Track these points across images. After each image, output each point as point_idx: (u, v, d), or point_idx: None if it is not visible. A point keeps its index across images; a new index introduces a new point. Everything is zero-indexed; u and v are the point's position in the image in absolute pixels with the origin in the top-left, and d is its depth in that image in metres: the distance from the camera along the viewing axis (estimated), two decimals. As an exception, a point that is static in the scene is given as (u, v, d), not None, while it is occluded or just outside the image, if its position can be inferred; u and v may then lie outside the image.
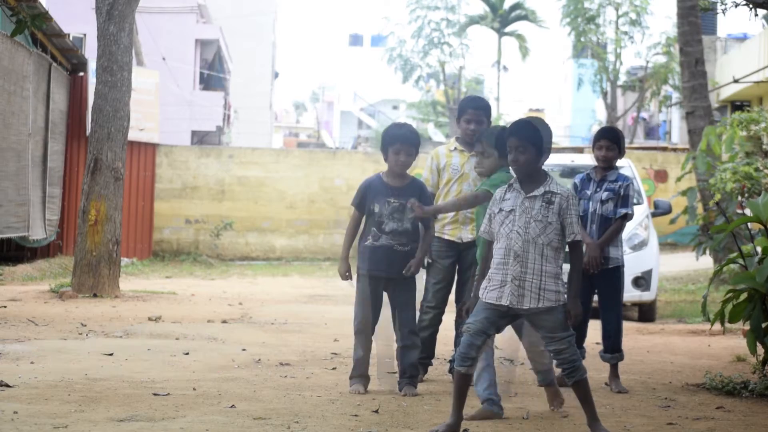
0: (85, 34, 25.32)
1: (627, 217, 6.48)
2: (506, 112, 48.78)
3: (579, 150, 21.61)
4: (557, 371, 6.26)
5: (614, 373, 6.41)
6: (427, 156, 6.82)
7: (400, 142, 5.90)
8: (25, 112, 14.05)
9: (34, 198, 15.02)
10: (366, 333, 5.94)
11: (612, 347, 6.47)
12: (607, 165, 6.58)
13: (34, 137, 14.88)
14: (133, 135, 16.95)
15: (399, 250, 5.83)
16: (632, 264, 10.56)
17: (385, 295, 6.01)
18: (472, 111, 6.44)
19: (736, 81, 19.96)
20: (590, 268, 6.32)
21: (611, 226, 6.46)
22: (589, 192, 6.58)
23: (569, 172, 12.38)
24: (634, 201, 7.15)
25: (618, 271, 6.53)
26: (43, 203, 15.85)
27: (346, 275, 5.91)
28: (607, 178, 6.56)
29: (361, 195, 5.96)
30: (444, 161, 6.52)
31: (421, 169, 7.67)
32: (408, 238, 5.87)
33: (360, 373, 5.91)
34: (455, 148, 6.55)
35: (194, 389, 5.68)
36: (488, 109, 6.51)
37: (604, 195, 6.51)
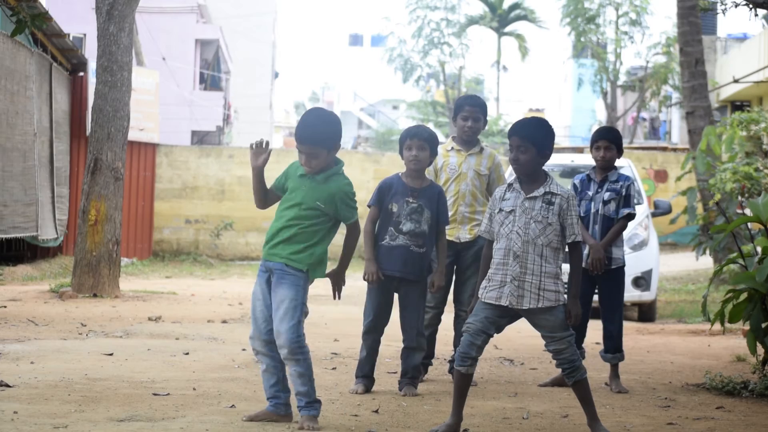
0: (85, 34, 25.34)
1: (630, 216, 6.48)
2: (506, 112, 48.82)
3: (579, 150, 21.60)
4: (557, 371, 6.28)
5: (614, 373, 6.40)
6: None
7: (410, 137, 5.94)
8: (29, 112, 14.04)
9: (43, 198, 15.01)
10: (375, 334, 5.94)
11: (613, 347, 6.46)
12: (606, 165, 6.57)
13: (40, 137, 14.87)
14: (133, 135, 16.97)
15: (415, 251, 5.81)
16: (632, 264, 10.55)
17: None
18: (468, 108, 6.45)
19: (736, 81, 19.96)
20: (594, 269, 6.31)
21: (614, 226, 6.46)
22: (590, 193, 6.56)
23: (569, 172, 12.40)
24: (635, 201, 7.15)
25: (620, 271, 6.53)
26: (53, 203, 15.85)
27: (374, 276, 5.76)
28: (608, 178, 6.55)
29: (381, 194, 5.95)
30: (441, 161, 6.51)
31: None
32: (424, 239, 5.85)
33: (363, 374, 5.91)
34: (452, 148, 6.54)
35: (194, 389, 5.68)
36: (484, 107, 6.52)
37: (607, 195, 6.50)
